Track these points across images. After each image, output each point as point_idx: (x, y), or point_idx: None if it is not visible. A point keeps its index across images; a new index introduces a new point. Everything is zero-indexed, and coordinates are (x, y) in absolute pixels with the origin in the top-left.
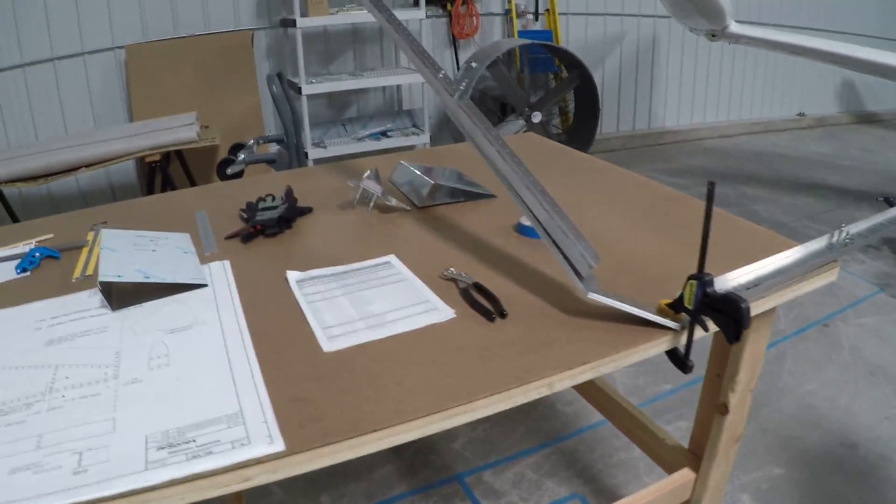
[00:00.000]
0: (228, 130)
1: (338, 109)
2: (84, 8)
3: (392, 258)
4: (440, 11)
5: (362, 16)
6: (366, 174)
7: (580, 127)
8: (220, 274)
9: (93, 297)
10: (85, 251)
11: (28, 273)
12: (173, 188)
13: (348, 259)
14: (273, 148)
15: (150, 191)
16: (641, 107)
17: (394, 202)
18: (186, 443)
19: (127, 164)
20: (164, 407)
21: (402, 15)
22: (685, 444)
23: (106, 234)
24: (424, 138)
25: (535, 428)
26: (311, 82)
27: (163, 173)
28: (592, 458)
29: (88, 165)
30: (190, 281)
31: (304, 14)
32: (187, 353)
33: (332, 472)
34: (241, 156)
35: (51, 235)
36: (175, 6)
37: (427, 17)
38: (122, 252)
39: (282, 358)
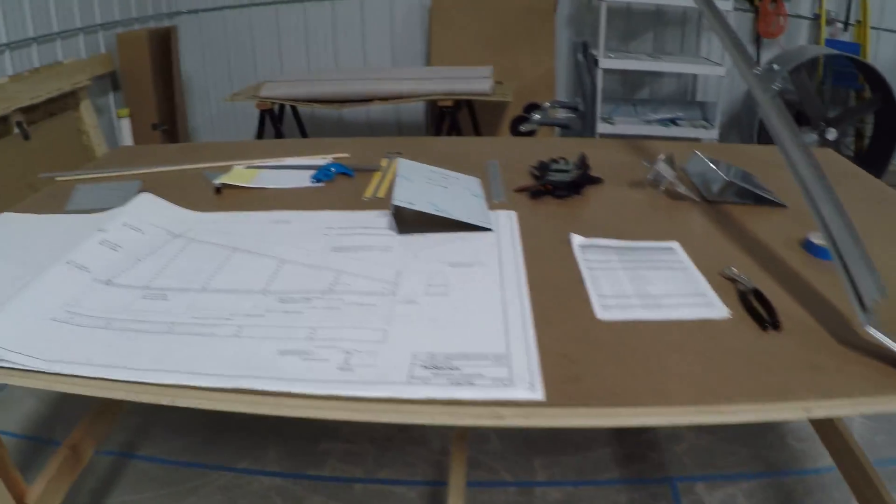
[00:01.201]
0: (519, 90)
1: (629, 89)
2: None
3: (675, 245)
4: (747, 6)
5: None
6: (660, 157)
7: (874, 152)
8: (506, 223)
9: (380, 218)
10: (377, 175)
11: (322, 184)
12: (459, 135)
13: (631, 235)
14: (561, 114)
15: (437, 133)
16: None
17: (683, 190)
18: (451, 368)
19: (417, 105)
20: (435, 331)
21: None
22: None
23: (403, 163)
24: (713, 133)
25: (759, 454)
26: (610, 57)
27: (451, 119)
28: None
29: (383, 99)
30: (477, 223)
31: None
32: (465, 288)
33: (552, 438)
34: (537, 115)
35: (347, 155)
36: None
37: (733, 9)
38: (416, 182)
39: (554, 315)
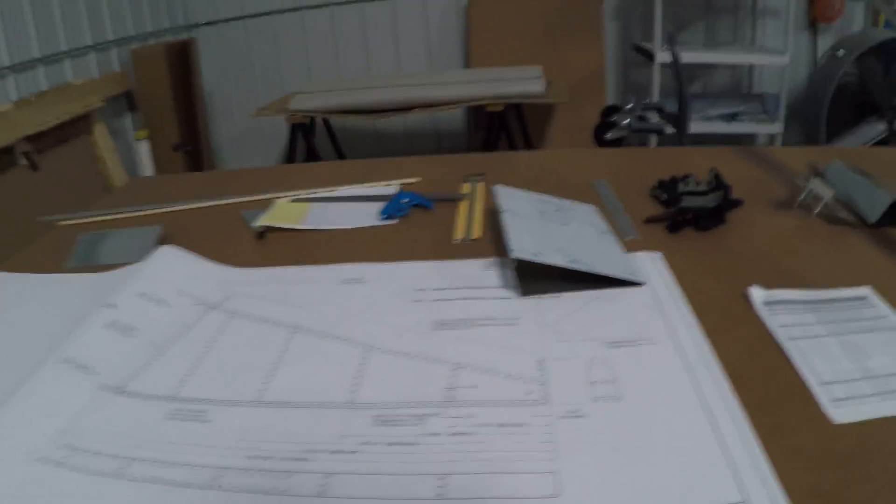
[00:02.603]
0: (569, 91)
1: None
2: None
3: (867, 292)
4: None
5: None
6: (813, 172)
7: None
8: (654, 271)
9: (486, 271)
10: (463, 207)
11: (395, 221)
12: (510, 143)
13: (809, 279)
14: (651, 118)
15: (487, 142)
16: None
17: (845, 215)
18: None
19: (455, 112)
20: (628, 469)
21: None
22: None
23: (502, 191)
24: (777, 127)
25: None
26: (667, 49)
27: (502, 125)
28: None
29: (423, 107)
30: (626, 277)
31: None
32: (642, 383)
33: None
34: (627, 120)
35: (417, 179)
36: None
37: None
38: (528, 219)
39: (776, 419)
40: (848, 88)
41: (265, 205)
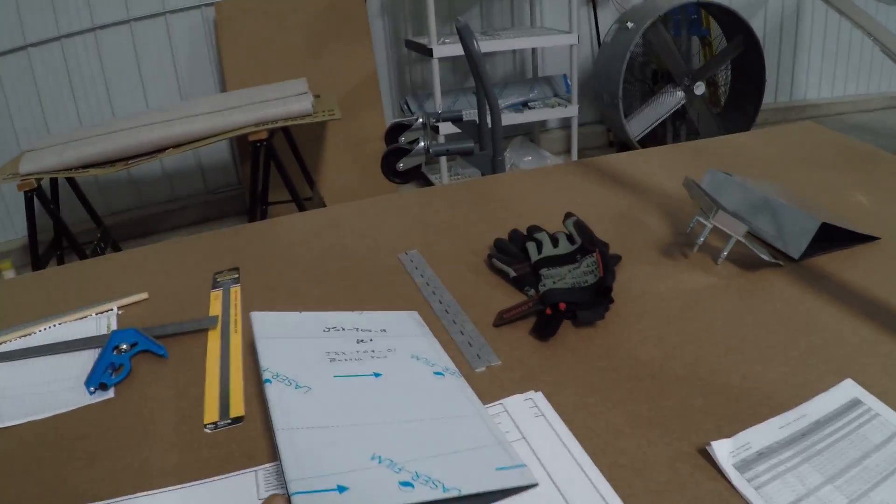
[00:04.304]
0: (342, 102)
1: (462, 75)
2: None
3: (851, 385)
4: None
5: None
6: (710, 206)
7: (739, 101)
8: (539, 432)
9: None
10: (213, 345)
11: (108, 395)
12: (283, 173)
13: (764, 378)
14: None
15: (255, 177)
16: (784, 78)
17: (758, 251)
18: None
19: (220, 143)
20: None
21: None
22: None
23: (261, 323)
24: (573, 110)
25: None
26: (444, 42)
27: (269, 155)
28: None
29: (177, 146)
30: (508, 485)
31: None
32: None
33: None
34: (421, 143)
35: (143, 296)
36: None
37: None
38: (306, 369)
39: None
40: (636, 60)
41: None
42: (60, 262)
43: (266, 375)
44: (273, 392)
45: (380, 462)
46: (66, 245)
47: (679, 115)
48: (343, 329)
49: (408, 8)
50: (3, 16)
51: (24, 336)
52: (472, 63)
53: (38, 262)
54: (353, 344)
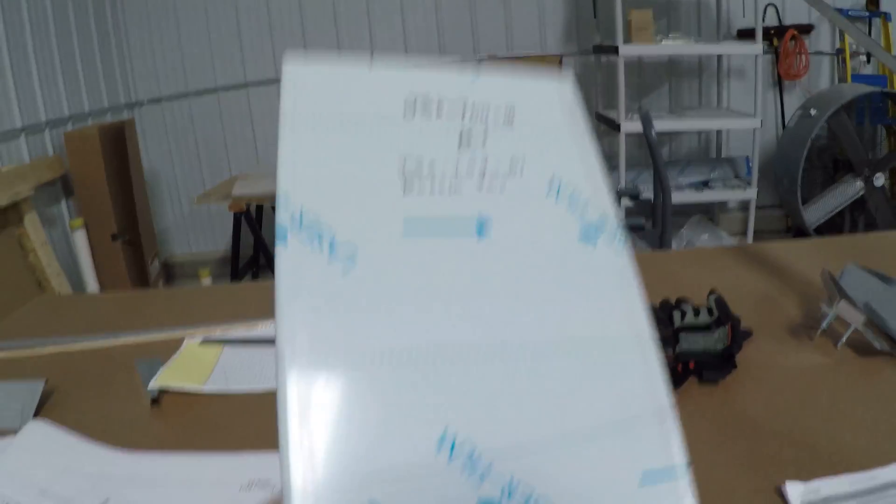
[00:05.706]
0: None
1: (646, 152)
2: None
3: None
4: (765, 47)
5: (686, 46)
6: (831, 281)
7: None
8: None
9: None
10: None
11: None
12: None
13: (852, 444)
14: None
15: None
16: None
17: (880, 344)
18: None
19: None
20: None
21: (732, 49)
22: None
23: (297, 80)
24: (750, 193)
25: None
26: (632, 118)
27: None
28: None
29: None
30: None
31: (626, 41)
32: None
33: None
34: None
35: None
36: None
37: (762, 52)
38: (373, 257)
39: None
40: (817, 147)
41: (170, 347)
42: (255, 277)
43: (282, 218)
44: (286, 263)
45: (451, 454)
46: (263, 262)
47: (858, 204)
48: (441, 106)
49: (600, 81)
50: (229, 56)
51: (248, 328)
52: (650, 148)
53: (236, 274)
54: (451, 146)
